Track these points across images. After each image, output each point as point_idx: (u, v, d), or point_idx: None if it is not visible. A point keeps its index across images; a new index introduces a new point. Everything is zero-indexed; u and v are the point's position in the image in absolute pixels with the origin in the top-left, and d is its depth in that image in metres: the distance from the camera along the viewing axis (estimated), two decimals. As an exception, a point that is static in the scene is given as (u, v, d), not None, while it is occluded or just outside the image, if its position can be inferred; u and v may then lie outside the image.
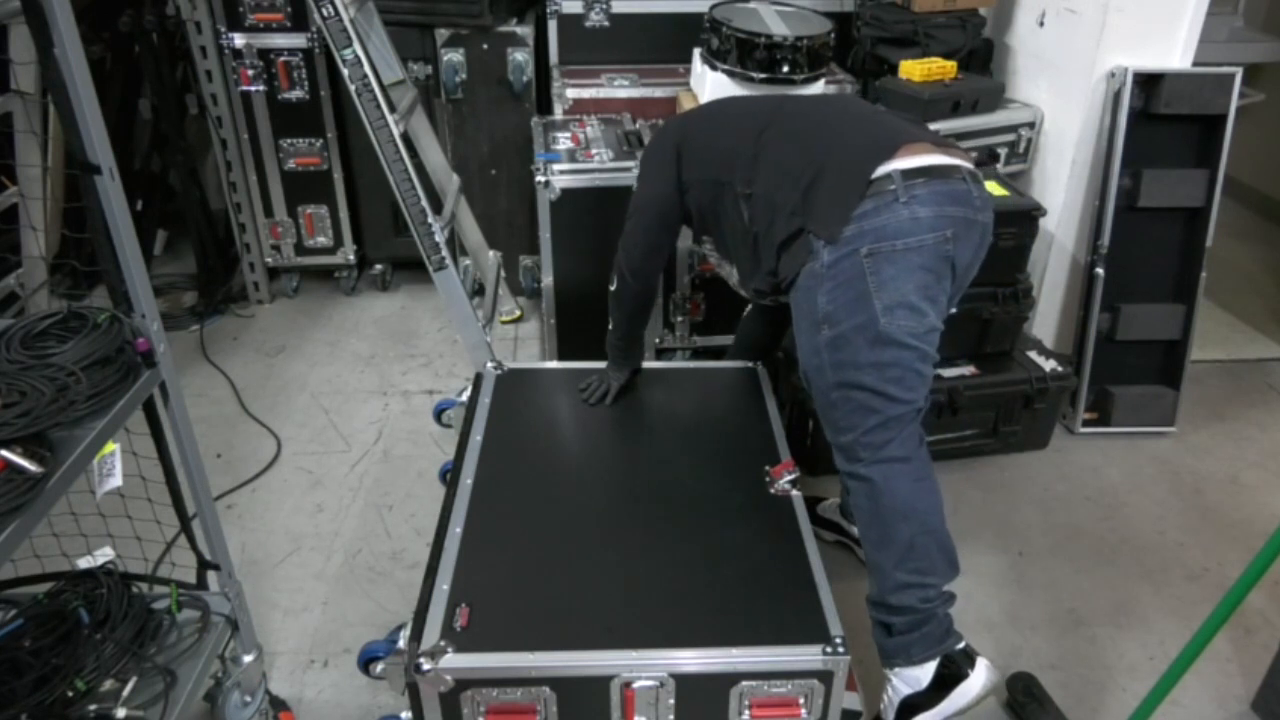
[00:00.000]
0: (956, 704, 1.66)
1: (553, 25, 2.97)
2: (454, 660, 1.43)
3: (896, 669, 1.69)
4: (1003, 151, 2.79)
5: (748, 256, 1.84)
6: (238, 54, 2.91)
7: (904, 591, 1.64)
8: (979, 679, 1.66)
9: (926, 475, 1.67)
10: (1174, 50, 2.52)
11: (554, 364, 2.36)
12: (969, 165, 1.66)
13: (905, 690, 1.69)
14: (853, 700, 1.62)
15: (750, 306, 2.35)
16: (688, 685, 1.46)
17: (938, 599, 1.66)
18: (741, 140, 1.79)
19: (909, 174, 1.57)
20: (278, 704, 1.80)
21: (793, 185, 1.66)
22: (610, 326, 2.10)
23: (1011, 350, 2.59)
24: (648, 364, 2.22)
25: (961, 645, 1.68)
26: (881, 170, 1.57)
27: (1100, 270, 2.60)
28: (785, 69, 2.49)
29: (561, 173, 2.53)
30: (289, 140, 3.07)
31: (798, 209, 1.65)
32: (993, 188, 2.46)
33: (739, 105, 1.96)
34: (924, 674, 1.67)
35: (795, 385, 2.44)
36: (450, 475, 1.87)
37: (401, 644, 1.47)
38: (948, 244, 1.59)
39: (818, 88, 2.58)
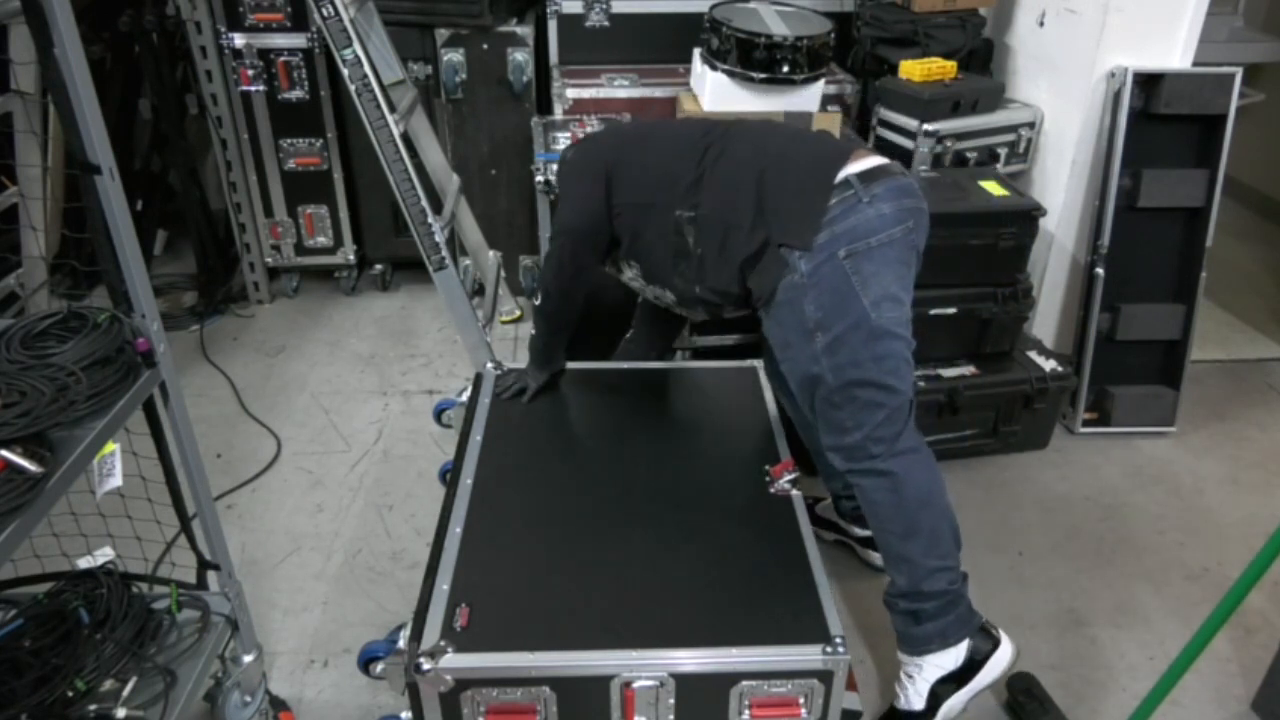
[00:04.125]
0: (990, 676, 1.72)
1: (553, 25, 2.97)
2: (454, 660, 1.43)
3: (928, 655, 1.72)
4: (1003, 151, 2.79)
5: (688, 279, 1.82)
6: (238, 54, 2.91)
7: (935, 577, 1.68)
8: (1007, 649, 1.73)
9: (934, 463, 1.73)
10: (1174, 50, 2.52)
11: (554, 364, 2.36)
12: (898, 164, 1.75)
13: (937, 674, 1.73)
14: (853, 700, 1.62)
15: (643, 306, 2.31)
16: (688, 685, 1.46)
17: (959, 578, 1.72)
18: (681, 162, 1.79)
19: (863, 176, 1.65)
20: (278, 704, 1.81)
21: (746, 201, 1.69)
22: (534, 333, 2.09)
23: (1011, 350, 2.59)
24: (648, 364, 2.22)
25: (982, 621, 1.75)
26: (840, 176, 1.64)
27: (1100, 270, 2.60)
28: (785, 69, 2.49)
29: (561, 173, 2.53)
30: (289, 140, 3.07)
31: (757, 223, 1.68)
32: (993, 188, 2.46)
33: (671, 129, 1.98)
34: (959, 654, 1.72)
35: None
36: (450, 475, 1.87)
37: (401, 644, 1.47)
38: (912, 234, 1.67)
39: (817, 88, 2.58)
